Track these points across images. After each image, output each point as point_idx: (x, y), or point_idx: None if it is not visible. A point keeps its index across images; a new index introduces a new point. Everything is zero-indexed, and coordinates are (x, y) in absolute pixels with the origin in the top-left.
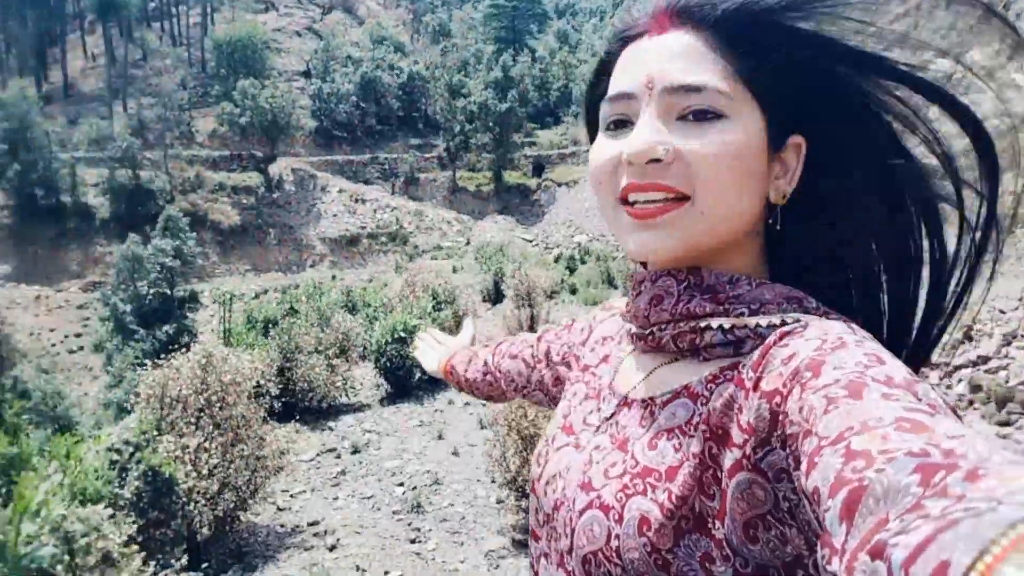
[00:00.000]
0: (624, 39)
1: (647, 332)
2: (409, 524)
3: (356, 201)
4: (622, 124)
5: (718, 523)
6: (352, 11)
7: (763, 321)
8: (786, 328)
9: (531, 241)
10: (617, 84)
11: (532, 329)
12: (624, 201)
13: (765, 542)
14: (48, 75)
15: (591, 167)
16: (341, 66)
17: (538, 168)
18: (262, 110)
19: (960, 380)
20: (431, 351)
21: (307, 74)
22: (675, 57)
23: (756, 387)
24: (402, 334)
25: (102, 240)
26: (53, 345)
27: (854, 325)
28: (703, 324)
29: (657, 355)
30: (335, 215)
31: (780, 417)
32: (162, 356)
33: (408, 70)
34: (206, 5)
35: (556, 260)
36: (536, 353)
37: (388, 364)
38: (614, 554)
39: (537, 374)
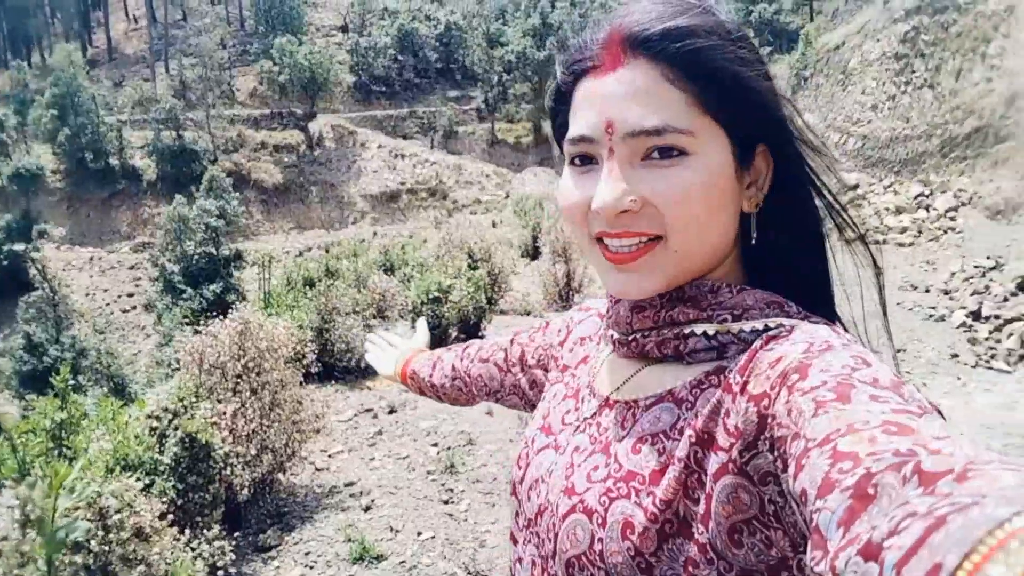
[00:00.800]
0: (576, 71)
1: (629, 338)
2: (443, 485)
3: (395, 156)
4: (587, 159)
5: (702, 527)
6: None
7: (747, 326)
8: (772, 332)
9: None
10: (577, 127)
11: (568, 287)
12: (599, 240)
13: (750, 546)
14: (92, 39)
15: (561, 202)
16: (378, 19)
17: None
18: (301, 67)
19: (1011, 335)
20: (384, 354)
21: (344, 28)
22: (633, 97)
23: (743, 391)
24: (436, 294)
25: (150, 201)
26: (107, 304)
27: (838, 328)
28: (687, 331)
29: (637, 359)
30: (375, 171)
31: (768, 420)
32: (202, 319)
33: (445, 20)
34: None
35: None
36: (510, 357)
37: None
38: (598, 558)
39: (511, 378)
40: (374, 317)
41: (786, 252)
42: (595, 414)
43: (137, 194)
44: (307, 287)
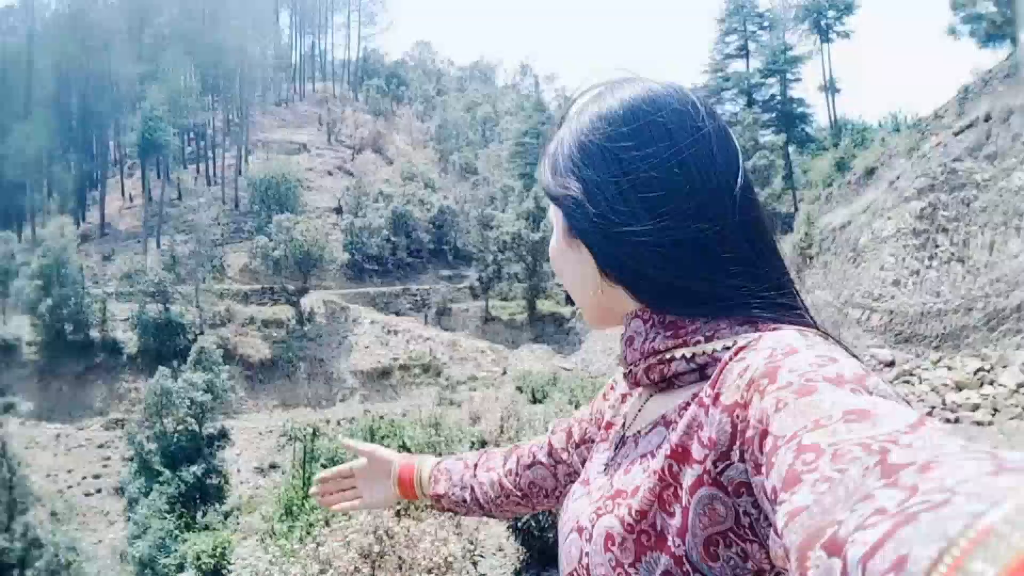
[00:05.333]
0: None
1: (627, 371)
2: None
3: (388, 332)
4: None
5: (679, 540)
6: (382, 151)
7: (719, 345)
8: (740, 344)
9: (570, 370)
10: None
11: None
12: None
13: (725, 559)
14: (86, 216)
15: None
16: (372, 201)
17: (571, 297)
18: (297, 243)
19: None
20: (360, 483)
21: (339, 210)
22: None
23: (716, 402)
24: None
25: (128, 376)
26: (69, 487)
27: (807, 331)
28: (668, 357)
29: (644, 391)
30: (367, 346)
31: (740, 427)
32: (180, 505)
33: (438, 204)
34: (241, 147)
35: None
36: (557, 445)
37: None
38: (585, 571)
39: (564, 468)
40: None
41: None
42: (615, 454)
43: (115, 368)
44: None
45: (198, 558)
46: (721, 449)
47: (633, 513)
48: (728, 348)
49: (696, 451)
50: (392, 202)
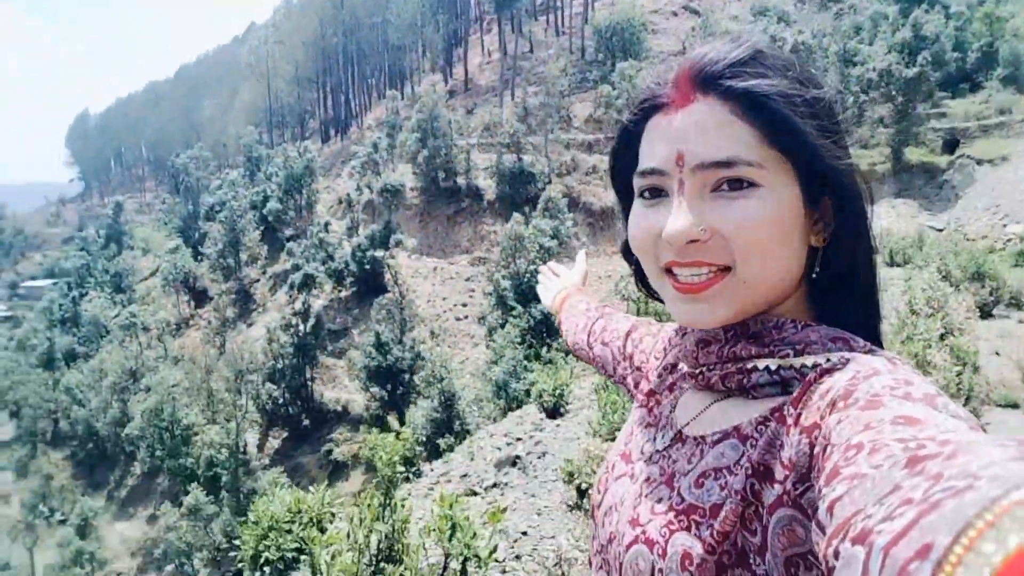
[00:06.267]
0: (647, 108)
1: (697, 372)
2: None
3: None
4: (657, 192)
5: (759, 559)
6: None
7: (808, 361)
8: (827, 366)
9: (940, 230)
10: (647, 160)
11: None
12: (668, 271)
13: None
14: (452, 72)
15: (631, 235)
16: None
17: (950, 144)
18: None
19: None
20: (548, 284)
21: (683, 53)
22: (703, 131)
23: (797, 423)
24: None
25: (488, 219)
26: (444, 312)
27: (897, 359)
28: (750, 365)
29: (710, 392)
30: None
31: (816, 449)
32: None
33: (792, 40)
34: None
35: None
36: (624, 349)
37: None
38: None
39: (622, 369)
40: None
41: (847, 288)
42: (668, 447)
43: (478, 212)
44: None
45: (540, 395)
46: (801, 471)
47: (716, 535)
48: (818, 366)
49: (778, 472)
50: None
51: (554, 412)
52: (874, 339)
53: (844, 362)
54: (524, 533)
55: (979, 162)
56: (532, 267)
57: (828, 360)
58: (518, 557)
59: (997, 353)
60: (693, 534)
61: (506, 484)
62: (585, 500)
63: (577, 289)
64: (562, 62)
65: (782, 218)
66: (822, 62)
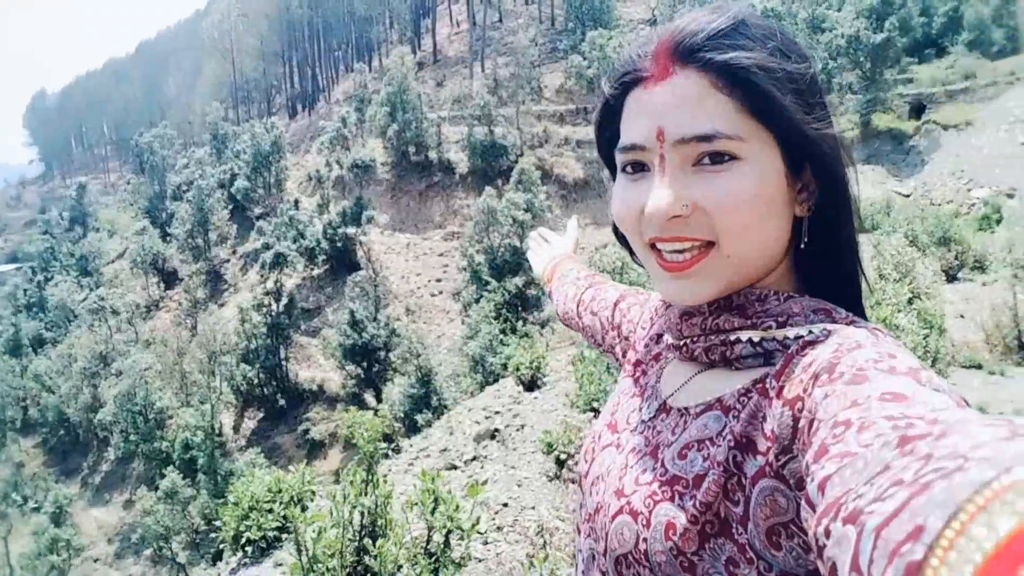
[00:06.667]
0: (627, 82)
1: (681, 343)
2: None
3: None
4: (639, 167)
5: (742, 528)
6: None
7: (791, 333)
8: (809, 338)
9: (907, 196)
10: (628, 135)
11: None
12: (653, 246)
13: (788, 550)
14: (421, 43)
15: (614, 211)
16: (688, 9)
17: (917, 109)
18: (610, 60)
19: None
20: (539, 251)
21: (653, 22)
22: (682, 104)
23: (779, 395)
24: None
25: (460, 193)
26: (418, 288)
27: (879, 331)
28: (732, 337)
29: (694, 364)
30: None
31: (800, 422)
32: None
33: (761, 6)
34: None
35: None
36: (612, 319)
37: None
38: (643, 556)
39: (610, 339)
40: None
41: (830, 257)
42: (653, 418)
43: (450, 186)
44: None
45: (517, 369)
46: (783, 443)
47: (699, 505)
48: (800, 337)
49: (760, 443)
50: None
51: (531, 385)
52: (856, 308)
53: (826, 334)
54: (505, 505)
55: (945, 127)
56: (506, 240)
57: (810, 332)
58: (499, 528)
59: (962, 316)
60: (676, 504)
61: (485, 457)
62: (564, 470)
63: (568, 257)
64: (532, 32)
65: (765, 191)
66: (791, 28)
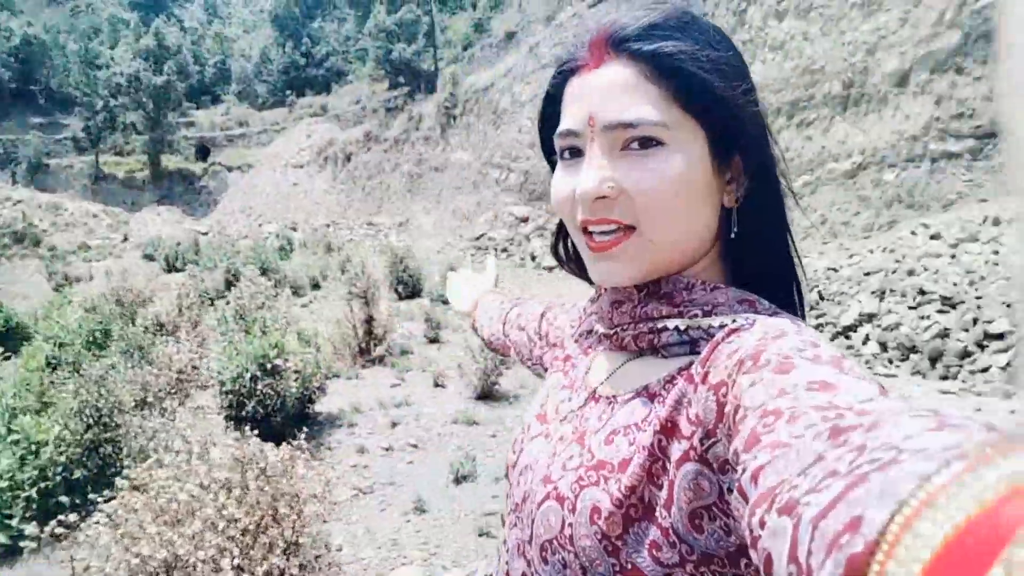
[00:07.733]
0: (565, 72)
1: (612, 332)
2: None
3: None
4: (575, 152)
5: (665, 512)
6: None
7: (715, 322)
8: (734, 326)
9: (206, 234)
10: (564, 121)
11: (370, 336)
12: (585, 230)
13: (710, 532)
14: None
15: (552, 195)
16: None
17: (202, 151)
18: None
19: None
20: (461, 290)
21: None
22: (612, 92)
23: (704, 380)
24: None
25: None
26: None
27: (800, 322)
28: (660, 326)
29: (623, 353)
30: None
31: (725, 407)
32: None
33: (21, 33)
34: None
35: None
36: (540, 328)
37: None
38: (567, 541)
39: (538, 350)
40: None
41: (761, 250)
42: (581, 406)
43: None
44: None
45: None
46: (707, 427)
47: (623, 489)
48: (724, 326)
49: (684, 427)
50: None
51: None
52: (789, 298)
53: (751, 323)
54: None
55: (230, 169)
56: None
57: (735, 320)
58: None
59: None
60: (602, 489)
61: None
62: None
63: (490, 292)
64: None
65: (688, 177)
66: (60, 60)
